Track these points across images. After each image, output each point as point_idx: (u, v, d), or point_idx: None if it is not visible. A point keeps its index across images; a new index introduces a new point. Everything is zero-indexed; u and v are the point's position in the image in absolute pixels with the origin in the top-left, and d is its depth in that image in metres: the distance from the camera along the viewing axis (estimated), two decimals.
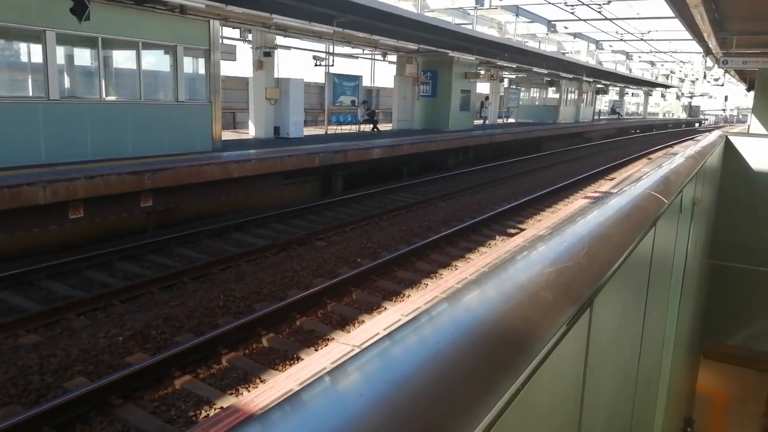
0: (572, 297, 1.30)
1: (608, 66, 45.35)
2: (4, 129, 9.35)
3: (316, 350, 5.69)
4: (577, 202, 12.62)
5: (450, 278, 6.87)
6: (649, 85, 52.96)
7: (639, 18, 31.11)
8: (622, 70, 47.80)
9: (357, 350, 4.67)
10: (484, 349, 0.98)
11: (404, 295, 7.37)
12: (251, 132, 17.02)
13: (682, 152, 5.71)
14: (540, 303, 1.19)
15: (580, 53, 40.88)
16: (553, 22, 35.38)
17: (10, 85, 10.45)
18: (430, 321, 1.05)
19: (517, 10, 30.22)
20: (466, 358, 0.93)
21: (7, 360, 5.31)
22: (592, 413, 1.80)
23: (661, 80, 55.43)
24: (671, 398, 5.30)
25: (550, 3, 24.88)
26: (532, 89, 37.85)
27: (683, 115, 68.35)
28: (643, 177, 3.24)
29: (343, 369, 0.88)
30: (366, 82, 25.30)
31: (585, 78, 36.23)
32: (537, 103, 38.10)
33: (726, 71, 26.93)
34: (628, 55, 49.96)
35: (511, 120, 34.88)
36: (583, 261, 1.51)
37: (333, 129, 20.51)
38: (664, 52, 46.66)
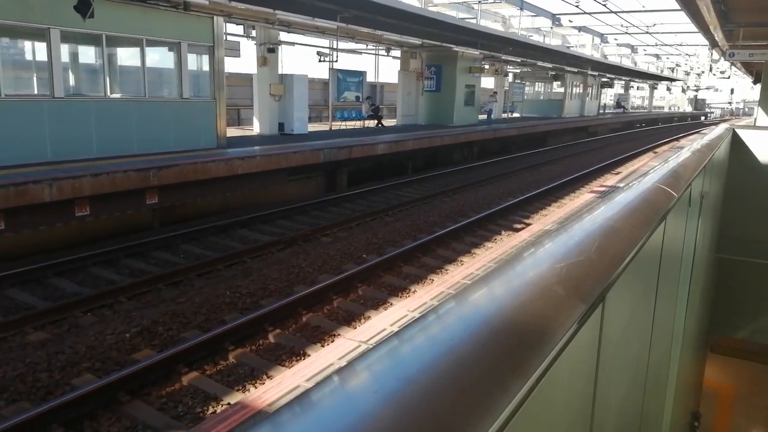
0: (584, 293, 1.28)
1: (613, 59, 45.11)
2: (9, 127, 9.38)
3: (323, 346, 5.68)
4: (583, 196, 12.58)
5: (456, 273, 6.86)
6: (654, 78, 52.65)
7: (644, 11, 30.96)
8: (627, 63, 47.56)
9: (364, 347, 4.66)
10: (495, 348, 0.96)
11: (410, 290, 7.36)
12: (256, 128, 17.01)
13: (689, 146, 5.66)
14: (552, 299, 1.17)
15: (584, 47, 40.68)
16: (557, 16, 35.27)
17: (15, 84, 10.45)
18: (438, 319, 1.03)
19: (521, 4, 30.09)
20: (478, 357, 0.91)
21: (15, 357, 5.34)
22: (604, 409, 1.78)
23: (666, 73, 55.12)
24: (679, 393, 5.28)
25: None
26: (536, 83, 37.67)
27: (689, 109, 67.95)
28: (651, 171, 3.21)
29: (352, 368, 0.87)
30: (370, 78, 25.25)
31: (590, 72, 36.06)
32: (542, 98, 37.92)
33: (732, 64, 26.75)
34: (634, 49, 49.72)
35: (516, 114, 34.76)
36: (594, 256, 1.49)
37: (337, 125, 20.49)
38: (670, 45, 46.42)
